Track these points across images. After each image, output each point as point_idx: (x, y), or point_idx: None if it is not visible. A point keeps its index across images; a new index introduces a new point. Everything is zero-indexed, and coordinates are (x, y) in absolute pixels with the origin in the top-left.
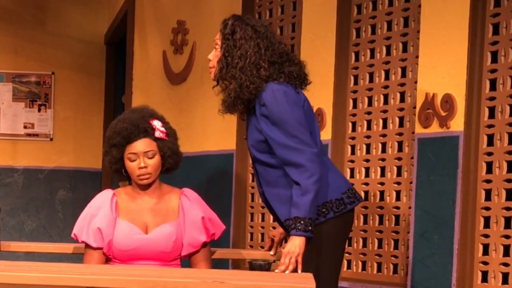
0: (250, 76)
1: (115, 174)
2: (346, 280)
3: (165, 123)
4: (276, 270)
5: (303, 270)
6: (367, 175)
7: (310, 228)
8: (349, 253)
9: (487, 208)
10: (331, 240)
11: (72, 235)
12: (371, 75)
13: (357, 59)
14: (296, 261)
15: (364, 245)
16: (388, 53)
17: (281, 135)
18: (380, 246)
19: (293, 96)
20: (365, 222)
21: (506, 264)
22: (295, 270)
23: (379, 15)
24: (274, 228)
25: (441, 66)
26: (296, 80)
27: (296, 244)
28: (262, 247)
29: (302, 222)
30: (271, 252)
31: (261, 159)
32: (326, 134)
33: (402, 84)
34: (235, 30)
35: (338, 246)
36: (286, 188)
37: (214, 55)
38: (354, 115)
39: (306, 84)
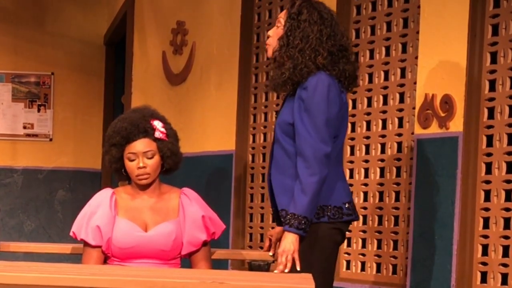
0: (307, 60)
1: (115, 173)
2: (345, 281)
3: (165, 124)
4: (275, 271)
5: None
6: (366, 175)
7: (303, 227)
8: (348, 254)
9: (487, 209)
10: (321, 242)
11: (71, 233)
12: (371, 76)
13: (356, 60)
14: (293, 259)
15: (364, 245)
16: (388, 53)
17: (307, 123)
18: (379, 246)
19: (335, 93)
20: (364, 222)
21: (505, 265)
22: (294, 268)
23: (379, 15)
24: (273, 228)
25: (441, 67)
26: (346, 80)
27: (289, 241)
28: (261, 248)
29: (297, 219)
30: (270, 253)
31: (282, 141)
32: None
33: (402, 85)
34: (301, 11)
35: (327, 250)
36: (293, 180)
37: (274, 32)
38: (353, 115)
39: (353, 87)
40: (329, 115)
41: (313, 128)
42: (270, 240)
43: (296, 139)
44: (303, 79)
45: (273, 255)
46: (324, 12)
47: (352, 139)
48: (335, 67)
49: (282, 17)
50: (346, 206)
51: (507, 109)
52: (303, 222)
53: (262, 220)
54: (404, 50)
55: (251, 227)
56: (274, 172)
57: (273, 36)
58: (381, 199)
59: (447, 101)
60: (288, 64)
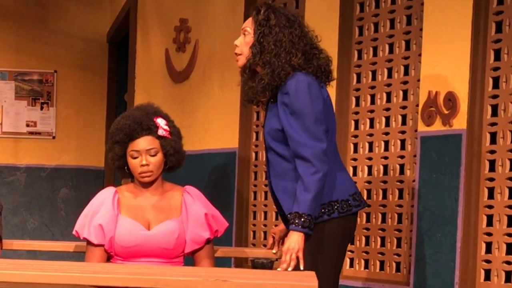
0: (283, 63)
1: (117, 170)
2: (349, 279)
3: (169, 121)
4: (278, 269)
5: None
6: (369, 173)
7: (308, 225)
8: (352, 251)
9: (490, 206)
10: (333, 239)
11: (74, 232)
12: (374, 73)
13: (359, 57)
14: (297, 258)
15: (367, 243)
16: (391, 51)
17: (296, 126)
18: (383, 244)
19: (316, 89)
20: (368, 220)
21: (509, 262)
22: (297, 267)
23: (382, 13)
24: (276, 226)
25: (444, 64)
26: (322, 74)
27: (294, 240)
28: (265, 245)
29: (301, 218)
30: (273, 250)
31: (275, 149)
32: None
33: (405, 82)
34: (269, 17)
35: (339, 246)
36: (294, 182)
37: (242, 42)
38: (356, 113)
39: (330, 80)
40: (316, 112)
41: (303, 129)
42: (273, 237)
43: (290, 144)
44: (282, 83)
45: (276, 253)
46: (289, 15)
47: (356, 136)
48: (310, 65)
49: (248, 26)
50: (352, 197)
51: (510, 106)
52: (307, 220)
53: (265, 218)
54: (407, 48)
55: (254, 225)
56: (274, 179)
57: (242, 45)
58: (384, 196)
59: (450, 99)
60: (266, 70)
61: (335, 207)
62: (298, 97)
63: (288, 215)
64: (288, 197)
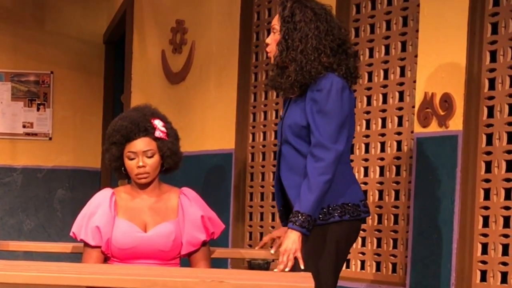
0: (312, 60)
1: (114, 172)
2: (345, 280)
3: (166, 123)
4: (275, 270)
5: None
6: (366, 174)
7: (307, 225)
8: (348, 252)
9: (486, 207)
10: (339, 241)
11: (71, 234)
12: (370, 74)
13: (356, 53)
14: (295, 258)
15: (363, 244)
16: (387, 52)
17: (320, 125)
18: (379, 245)
19: (347, 94)
20: (364, 221)
21: (505, 263)
22: (297, 267)
23: (378, 14)
24: (272, 227)
25: (440, 66)
26: (351, 77)
27: (292, 241)
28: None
29: (301, 217)
30: (272, 251)
31: (293, 143)
32: None
33: (401, 84)
34: (294, 12)
35: (343, 249)
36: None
37: (272, 39)
38: None
39: (356, 81)
40: (343, 117)
41: (327, 130)
42: (273, 239)
43: (312, 140)
44: (311, 80)
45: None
46: (316, 8)
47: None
48: (341, 67)
49: (275, 23)
50: (363, 203)
51: (506, 107)
52: (307, 220)
53: (261, 219)
54: (403, 49)
55: (250, 226)
56: (285, 172)
57: (272, 43)
58: (380, 197)
59: (446, 100)
60: (293, 67)
61: (347, 209)
62: (329, 98)
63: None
64: (298, 192)
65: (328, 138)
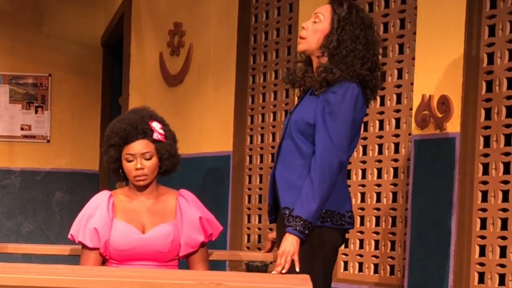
0: (355, 64)
1: (112, 174)
2: (343, 282)
3: (164, 125)
4: (273, 272)
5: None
6: (363, 176)
7: (307, 232)
8: (346, 255)
9: (484, 210)
10: (324, 246)
11: (69, 236)
12: None
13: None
14: (292, 260)
15: (361, 246)
16: (385, 54)
17: (329, 127)
18: (377, 247)
19: (361, 103)
20: (362, 223)
21: (502, 265)
22: (293, 270)
23: (376, 16)
24: (270, 229)
25: (438, 68)
26: (371, 95)
27: (290, 243)
28: (259, 249)
29: (301, 223)
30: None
31: (295, 139)
32: None
33: (399, 86)
34: (351, 13)
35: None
36: (301, 179)
37: (312, 27)
38: None
39: (373, 98)
40: (351, 124)
41: (335, 133)
42: (273, 242)
43: (316, 142)
44: (335, 83)
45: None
46: (366, 18)
47: None
48: (368, 83)
49: (323, 12)
50: (349, 214)
51: (504, 109)
52: (307, 227)
53: (259, 221)
54: (401, 51)
55: (248, 228)
56: (280, 167)
57: (312, 31)
58: (378, 200)
59: (444, 102)
60: (340, 66)
61: (332, 217)
62: (343, 102)
63: (284, 209)
64: (288, 190)
65: (335, 141)
